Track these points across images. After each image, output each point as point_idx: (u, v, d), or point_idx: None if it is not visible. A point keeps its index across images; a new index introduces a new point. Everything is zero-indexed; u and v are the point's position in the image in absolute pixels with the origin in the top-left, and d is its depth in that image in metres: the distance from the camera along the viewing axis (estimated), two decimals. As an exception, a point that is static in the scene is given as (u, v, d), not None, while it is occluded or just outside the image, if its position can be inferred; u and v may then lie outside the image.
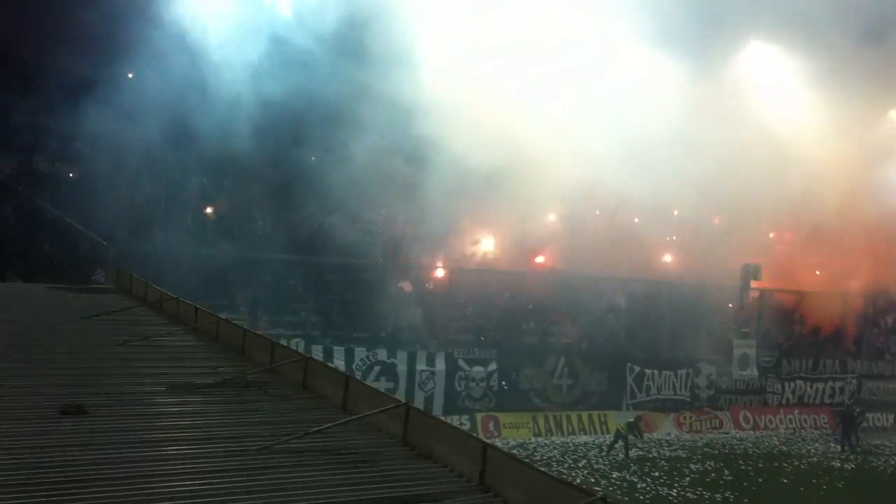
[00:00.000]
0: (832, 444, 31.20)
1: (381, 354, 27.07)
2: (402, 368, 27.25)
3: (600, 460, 26.49)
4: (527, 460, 7.79)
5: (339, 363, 25.87)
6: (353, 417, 9.34)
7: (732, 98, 31.63)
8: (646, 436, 29.70)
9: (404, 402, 9.27)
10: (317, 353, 25.58)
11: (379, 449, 8.71)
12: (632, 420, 28.34)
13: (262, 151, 27.31)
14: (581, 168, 28.31)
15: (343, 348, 26.70)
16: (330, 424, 9.00)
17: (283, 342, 24.17)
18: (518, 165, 27.27)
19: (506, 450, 22.74)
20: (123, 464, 6.84)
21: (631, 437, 27.82)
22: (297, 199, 27.85)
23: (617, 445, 27.31)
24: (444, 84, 26.48)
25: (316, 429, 8.82)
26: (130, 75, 27.17)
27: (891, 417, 33.17)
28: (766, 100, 33.55)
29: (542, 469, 7.41)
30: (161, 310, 13.87)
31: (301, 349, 24.49)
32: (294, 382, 10.85)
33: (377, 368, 26.99)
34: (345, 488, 7.55)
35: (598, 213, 33.62)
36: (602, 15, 28.00)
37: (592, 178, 28.94)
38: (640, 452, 27.88)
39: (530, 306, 31.36)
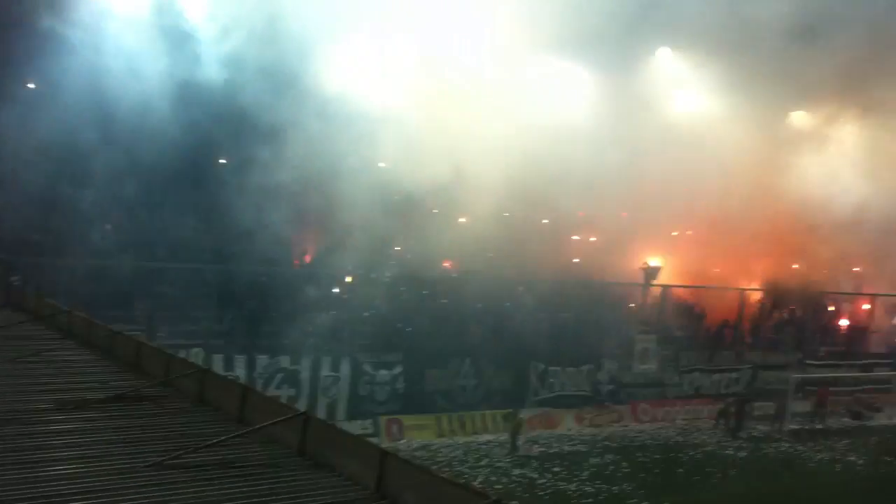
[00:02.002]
0: (720, 433, 32.16)
1: (284, 362, 26.80)
2: (305, 375, 26.99)
3: (502, 459, 26.79)
4: (425, 464, 7.90)
5: (240, 372, 25.65)
6: (249, 429, 9.32)
7: (641, 102, 32.54)
8: (546, 432, 30.22)
9: (302, 411, 9.28)
10: (217, 362, 25.26)
11: (275, 460, 8.71)
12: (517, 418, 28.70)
13: (172, 159, 26.82)
14: (491, 171, 28.69)
15: (244, 357, 26.34)
16: (225, 437, 8.96)
17: (183, 353, 23.96)
18: (431, 171, 27.47)
19: (408, 453, 23.08)
20: (3, 487, 6.69)
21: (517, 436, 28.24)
22: (203, 206, 27.38)
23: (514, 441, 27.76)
24: (356, 94, 26.50)
25: (210, 442, 8.76)
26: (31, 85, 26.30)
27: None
28: (674, 103, 34.70)
29: (439, 473, 7.54)
30: (53, 324, 13.55)
31: (201, 359, 24.27)
32: (190, 395, 10.74)
33: (279, 376, 26.65)
34: (238, 502, 7.53)
35: (506, 214, 34.05)
36: (517, 26, 28.33)
37: (502, 181, 29.35)
38: (542, 448, 28.33)
39: (438, 307, 31.48)
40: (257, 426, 9.18)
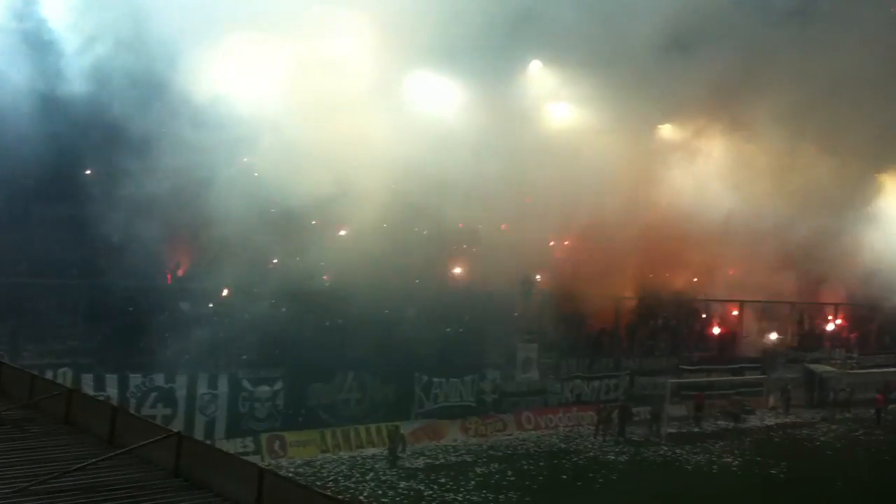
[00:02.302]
0: (600, 439, 32.74)
1: (158, 380, 25.81)
2: (181, 393, 26.08)
3: (387, 472, 26.53)
4: (305, 482, 7.67)
5: (112, 392, 24.59)
6: (120, 451, 8.88)
7: (516, 114, 32.94)
8: (432, 444, 30.16)
9: (176, 431, 8.90)
10: (87, 382, 24.21)
11: (149, 482, 8.33)
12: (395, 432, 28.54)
13: (35, 171, 25.62)
14: (371, 182, 28.52)
15: (116, 376, 25.25)
16: (95, 460, 8.52)
17: (50, 373, 22.90)
18: (310, 182, 27.09)
19: (292, 470, 22.54)
20: None
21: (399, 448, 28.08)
22: (73, 219, 26.21)
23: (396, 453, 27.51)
24: (231, 101, 25.88)
25: (78, 466, 8.32)
26: None
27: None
28: (548, 116, 35.31)
29: (320, 490, 7.33)
30: None
31: (69, 380, 23.21)
32: (56, 417, 10.21)
33: (154, 395, 25.69)
34: (110, 528, 7.16)
35: (385, 225, 33.90)
36: (394, 38, 28.31)
37: (382, 192, 29.23)
38: (428, 460, 28.22)
39: (319, 321, 31.00)
40: (129, 448, 8.76)
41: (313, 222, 30.03)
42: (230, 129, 25.91)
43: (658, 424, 33.78)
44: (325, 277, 31.50)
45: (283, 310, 29.03)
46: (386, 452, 28.33)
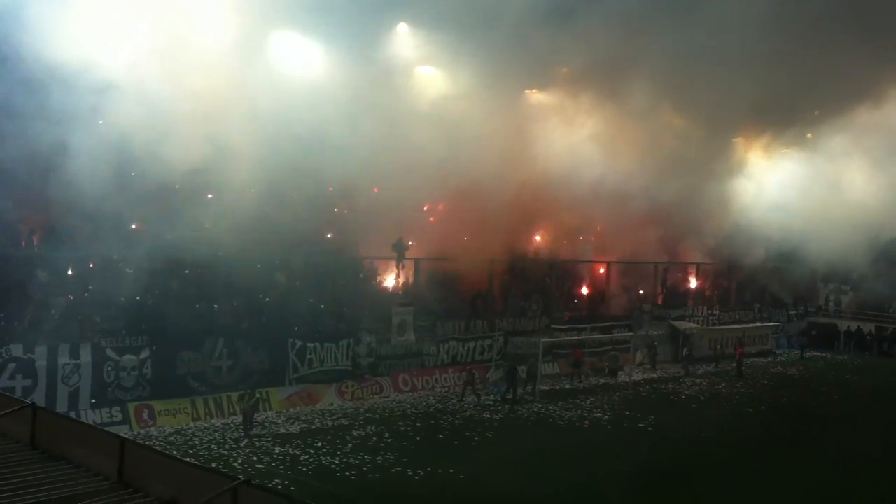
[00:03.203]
0: (491, 398, 33.25)
1: (16, 350, 24.53)
2: (41, 364, 24.87)
3: (262, 439, 26.11)
4: (167, 451, 7.37)
5: (-36, 364, 23.33)
6: (-31, 424, 8.36)
7: (385, 77, 32.64)
8: (308, 409, 29.90)
9: (30, 402, 8.44)
10: (-62, 355, 22.91)
11: (4, 455, 7.91)
12: (252, 400, 28.06)
13: None
14: (240, 143, 27.80)
15: (-31, 348, 23.91)
16: (-60, 435, 8.02)
17: None
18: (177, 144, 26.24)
19: (162, 439, 21.97)
20: None
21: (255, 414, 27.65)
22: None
23: (248, 422, 26.96)
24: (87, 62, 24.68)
25: (-79, 442, 7.79)
26: None
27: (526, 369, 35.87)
28: (418, 80, 35.17)
29: (184, 459, 7.06)
30: None
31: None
32: None
33: (12, 366, 24.36)
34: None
35: (252, 190, 33.18)
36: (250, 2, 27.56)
37: (252, 155, 28.54)
38: (304, 425, 27.95)
39: (187, 287, 30.13)
40: (-22, 420, 8.25)
41: (177, 186, 28.99)
42: (89, 91, 24.78)
43: (534, 383, 34.39)
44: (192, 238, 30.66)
45: (150, 277, 27.98)
46: (267, 417, 27.97)
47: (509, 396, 33.10)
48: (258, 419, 27.73)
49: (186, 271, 30.45)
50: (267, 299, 32.17)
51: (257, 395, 28.47)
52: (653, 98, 38.00)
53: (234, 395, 28.62)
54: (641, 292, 47.54)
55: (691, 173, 41.27)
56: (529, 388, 34.57)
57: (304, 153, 29.46)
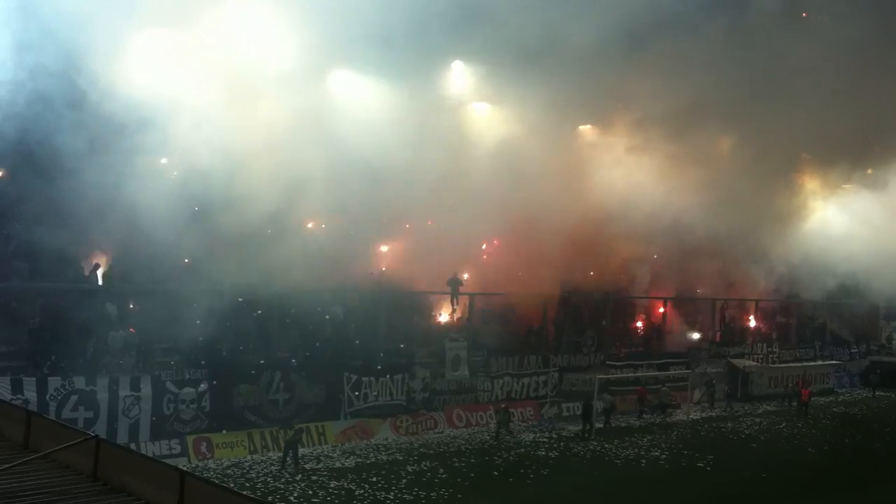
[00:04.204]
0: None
1: (79, 382, 25.05)
2: (102, 396, 25.34)
3: (317, 473, 26.19)
4: (225, 484, 7.47)
5: (30, 396, 23.81)
6: (35, 456, 8.58)
7: (441, 113, 32.98)
8: (362, 443, 29.94)
9: (93, 434, 8.62)
10: (3, 385, 23.43)
11: (66, 487, 8.07)
12: (293, 433, 27.60)
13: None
14: (290, 181, 28.19)
15: (34, 379, 24.44)
16: (8, 465, 8.21)
17: (-37, 377, 22.09)
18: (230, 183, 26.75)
19: (219, 471, 22.17)
20: None
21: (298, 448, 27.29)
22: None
23: (288, 458, 26.76)
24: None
25: (-11, 472, 7.98)
26: None
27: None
28: (473, 117, 35.49)
29: (242, 492, 7.16)
30: None
31: (-16, 383, 22.43)
32: (-34, 422, 9.80)
33: (74, 398, 24.89)
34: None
35: (310, 225, 33.64)
36: (309, 42, 28.10)
37: (303, 192, 28.95)
38: (359, 459, 28.01)
39: (245, 321, 30.54)
40: (43, 452, 8.46)
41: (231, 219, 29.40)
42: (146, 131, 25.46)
43: (591, 421, 33.96)
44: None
45: (210, 312, 28.39)
46: (322, 451, 28.29)
47: (587, 428, 33.06)
48: (302, 454, 27.39)
49: (245, 304, 30.78)
50: (323, 333, 32.42)
51: (298, 429, 28.04)
52: (714, 132, 37.77)
53: (303, 428, 28.66)
54: (698, 331, 46.76)
55: (752, 207, 40.83)
56: (585, 425, 34.13)
57: (363, 187, 29.79)
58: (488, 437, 32.37)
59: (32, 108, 23.78)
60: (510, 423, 33.14)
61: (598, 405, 34.66)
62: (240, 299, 29.89)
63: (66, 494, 7.95)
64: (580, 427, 33.57)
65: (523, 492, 25.30)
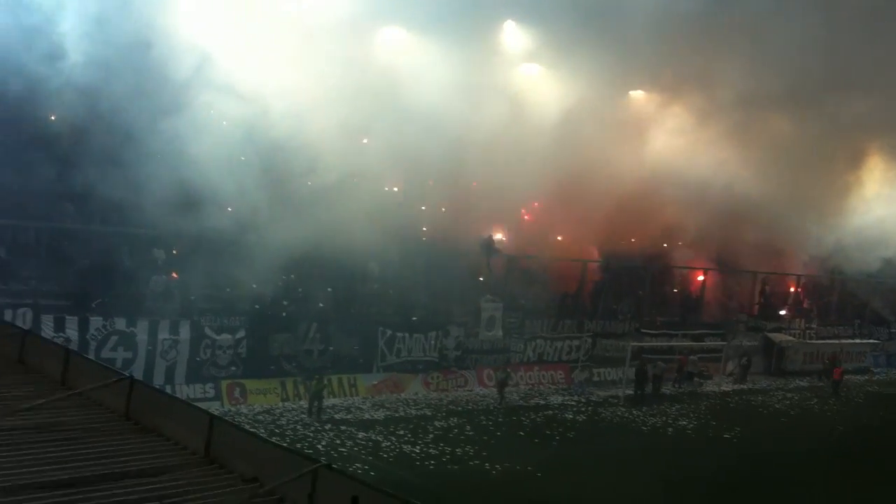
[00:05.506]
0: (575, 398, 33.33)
1: (120, 324, 25.73)
2: (142, 338, 26.01)
3: (346, 423, 26.71)
4: (254, 431, 7.79)
5: (71, 334, 24.52)
6: (71, 392, 8.93)
7: (494, 76, 32.83)
8: (393, 396, 30.38)
9: (128, 374, 8.98)
10: (47, 323, 24.14)
11: (99, 424, 8.40)
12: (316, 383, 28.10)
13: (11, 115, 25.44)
14: (342, 141, 28.43)
15: (76, 318, 25.13)
16: (44, 400, 8.56)
17: (9, 313, 22.80)
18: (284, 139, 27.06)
19: (250, 417, 22.70)
20: None
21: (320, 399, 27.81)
22: (31, 159, 25.91)
23: (313, 408, 27.34)
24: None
25: (28, 405, 8.36)
26: None
27: (619, 372, 35.71)
28: (522, 78, 35.24)
29: (268, 439, 7.44)
30: None
31: (28, 320, 23.12)
32: (9, 358, 10.22)
33: (114, 338, 25.58)
34: (57, 466, 7.26)
35: (355, 180, 33.80)
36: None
37: (354, 151, 29.19)
38: (388, 412, 28.48)
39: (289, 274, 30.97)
40: (80, 389, 8.82)
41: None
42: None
43: (621, 386, 34.08)
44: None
45: (252, 261, 28.81)
46: (353, 402, 28.68)
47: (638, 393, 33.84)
48: (332, 404, 28.12)
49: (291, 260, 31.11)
50: (361, 288, 32.77)
51: (320, 378, 28.37)
52: (766, 98, 37.12)
53: (335, 379, 29.36)
54: (736, 303, 46.43)
55: (809, 177, 40.25)
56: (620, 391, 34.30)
57: (413, 144, 29.91)
58: (517, 397, 32.67)
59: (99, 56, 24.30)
60: (507, 386, 32.74)
61: (650, 370, 34.86)
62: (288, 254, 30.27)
63: (99, 431, 8.28)
64: (622, 391, 33.89)
65: (548, 453, 25.57)
